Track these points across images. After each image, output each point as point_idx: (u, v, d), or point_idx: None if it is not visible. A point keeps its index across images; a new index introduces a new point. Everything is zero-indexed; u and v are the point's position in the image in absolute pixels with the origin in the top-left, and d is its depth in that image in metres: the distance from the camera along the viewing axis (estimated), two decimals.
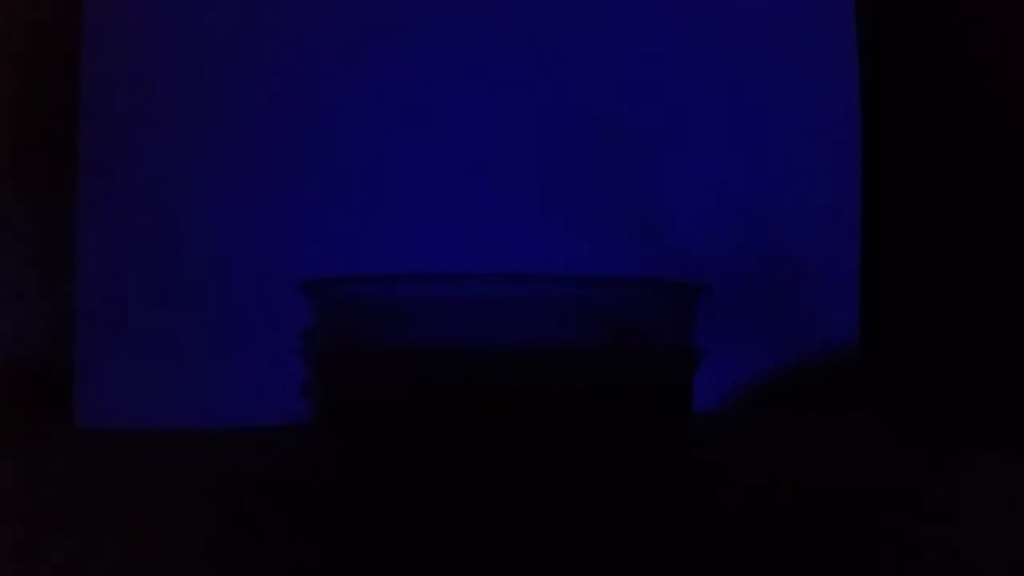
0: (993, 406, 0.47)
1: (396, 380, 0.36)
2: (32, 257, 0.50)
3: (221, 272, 0.51)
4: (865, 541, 0.31)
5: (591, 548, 0.30)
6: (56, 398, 0.50)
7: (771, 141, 0.56)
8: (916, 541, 0.31)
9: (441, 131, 0.54)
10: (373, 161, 0.53)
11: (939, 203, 0.53)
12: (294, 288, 0.40)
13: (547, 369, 0.36)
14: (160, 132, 0.51)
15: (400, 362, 0.36)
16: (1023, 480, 0.40)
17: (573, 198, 0.54)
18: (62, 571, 0.28)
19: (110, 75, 0.51)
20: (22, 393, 0.49)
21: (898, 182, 0.56)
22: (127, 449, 0.45)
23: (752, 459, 0.44)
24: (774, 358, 0.55)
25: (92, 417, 0.50)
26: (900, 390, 0.54)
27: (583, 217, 0.54)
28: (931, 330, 0.53)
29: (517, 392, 0.35)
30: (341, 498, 0.36)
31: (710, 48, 0.56)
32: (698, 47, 0.56)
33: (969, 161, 0.50)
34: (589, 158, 0.55)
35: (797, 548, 0.30)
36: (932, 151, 0.53)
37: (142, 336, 0.51)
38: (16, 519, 0.33)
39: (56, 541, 0.30)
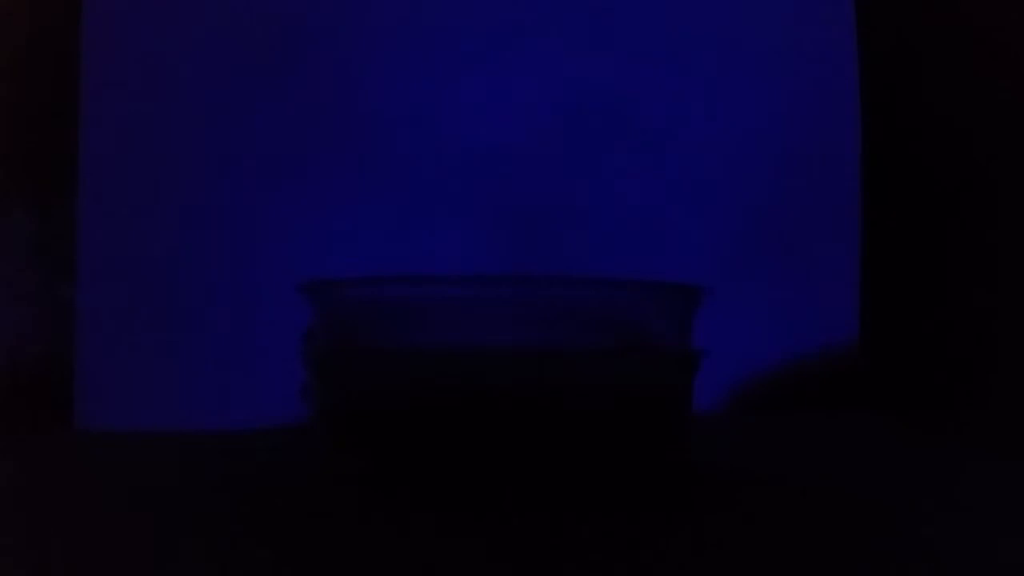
0: (993, 406, 0.47)
1: (396, 382, 0.36)
2: (32, 257, 0.50)
3: (221, 273, 0.51)
4: (865, 541, 0.31)
5: (591, 549, 0.30)
6: (56, 398, 0.50)
7: (771, 141, 0.56)
8: (916, 541, 0.31)
9: (442, 132, 0.54)
10: (374, 162, 0.53)
11: (939, 203, 0.53)
12: (294, 289, 0.40)
13: (547, 370, 0.36)
14: (160, 132, 0.51)
15: (400, 363, 0.36)
16: (1022, 480, 0.40)
17: (573, 199, 0.54)
18: (62, 571, 0.28)
19: (110, 75, 0.51)
20: (22, 393, 0.49)
21: (898, 182, 0.56)
22: (127, 449, 0.45)
23: (752, 459, 0.44)
24: (774, 358, 0.55)
25: (92, 417, 0.50)
26: (900, 390, 0.54)
27: (583, 218, 0.54)
28: (931, 330, 0.53)
29: (517, 393, 0.35)
30: (341, 499, 0.36)
31: (710, 48, 0.56)
32: (698, 46, 0.56)
33: (970, 162, 0.50)
34: (588, 159, 0.55)
35: (797, 549, 0.30)
36: (932, 151, 0.53)
37: (142, 337, 0.51)
38: (16, 519, 0.33)
39: (56, 541, 0.30)
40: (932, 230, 0.53)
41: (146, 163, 0.51)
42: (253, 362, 0.51)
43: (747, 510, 0.35)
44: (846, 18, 0.57)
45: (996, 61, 0.48)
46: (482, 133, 0.54)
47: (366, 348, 0.37)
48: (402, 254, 0.53)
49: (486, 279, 0.41)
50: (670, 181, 0.55)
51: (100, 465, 0.43)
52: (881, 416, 0.54)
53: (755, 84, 0.56)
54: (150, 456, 0.44)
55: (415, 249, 0.53)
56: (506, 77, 0.54)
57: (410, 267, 0.52)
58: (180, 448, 0.45)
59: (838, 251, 0.57)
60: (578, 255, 0.54)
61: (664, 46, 0.55)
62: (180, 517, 0.33)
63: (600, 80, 0.55)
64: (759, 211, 0.56)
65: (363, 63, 0.53)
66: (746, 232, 0.56)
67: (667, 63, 0.55)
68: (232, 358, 0.51)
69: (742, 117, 0.56)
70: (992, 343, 0.48)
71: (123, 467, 0.42)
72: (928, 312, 0.53)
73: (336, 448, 0.39)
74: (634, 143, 0.55)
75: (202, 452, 0.45)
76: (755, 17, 0.56)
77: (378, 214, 0.53)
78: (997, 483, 0.39)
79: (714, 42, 0.56)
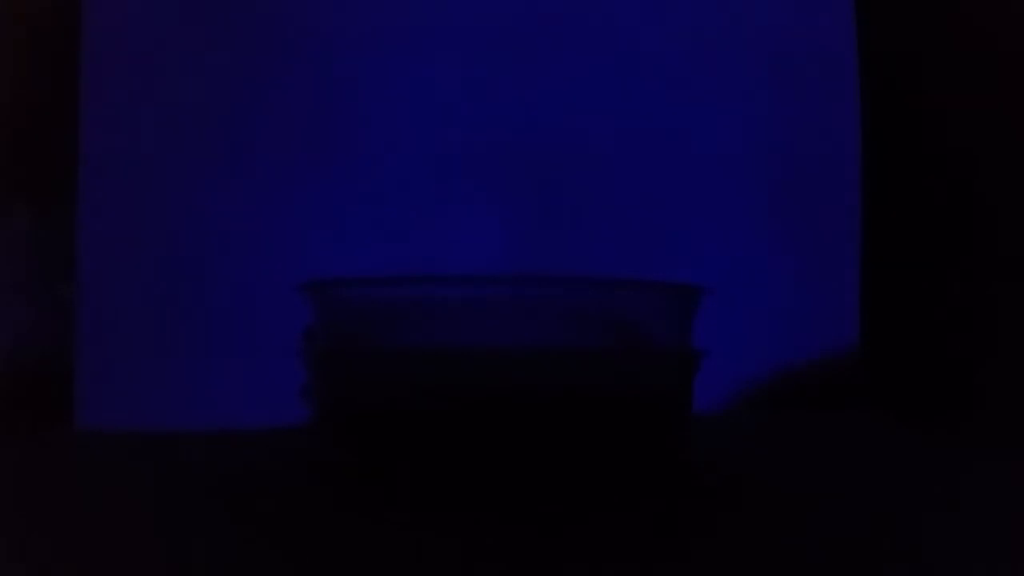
0: (993, 406, 0.47)
1: (396, 382, 0.36)
2: (32, 257, 0.50)
3: (221, 273, 0.51)
4: (864, 542, 0.31)
5: (591, 548, 0.30)
6: (56, 398, 0.50)
7: (771, 142, 0.56)
8: (916, 541, 0.31)
9: (442, 134, 0.54)
10: (373, 162, 0.53)
11: (939, 204, 0.53)
12: (294, 289, 0.40)
13: (547, 370, 0.36)
14: (160, 132, 0.51)
15: (400, 364, 0.36)
16: (1022, 481, 0.40)
17: (573, 199, 0.54)
18: (61, 571, 0.28)
19: (110, 75, 0.51)
20: (22, 393, 0.49)
21: (898, 182, 0.56)
22: (127, 449, 0.45)
23: (752, 459, 0.44)
24: (774, 358, 0.56)
25: (92, 417, 0.50)
26: (900, 390, 0.54)
27: (584, 218, 0.54)
28: (931, 330, 0.53)
29: (517, 393, 0.35)
30: (341, 499, 0.36)
31: (711, 50, 0.56)
32: (699, 48, 0.56)
33: (969, 162, 0.50)
34: (590, 159, 0.55)
35: (796, 549, 0.30)
36: (933, 152, 0.53)
37: (142, 336, 0.51)
38: (16, 519, 0.33)
39: (56, 541, 0.30)
40: (932, 231, 0.53)
41: (146, 163, 0.51)
42: (253, 362, 0.51)
43: (747, 510, 0.35)
44: (846, 18, 0.57)
45: (996, 62, 0.48)
46: (483, 133, 0.54)
47: (366, 348, 0.37)
48: (403, 254, 0.53)
49: (486, 279, 0.41)
50: (671, 182, 0.55)
51: (100, 465, 0.43)
52: (881, 416, 0.54)
53: (755, 86, 0.56)
54: (150, 456, 0.44)
55: (416, 249, 0.53)
56: (509, 77, 0.54)
57: (411, 267, 0.52)
58: (180, 448, 0.45)
59: (838, 252, 0.57)
60: (579, 255, 0.54)
61: (666, 48, 0.55)
62: (180, 517, 0.33)
63: (601, 80, 0.55)
64: (759, 212, 0.56)
65: (364, 63, 0.53)
66: (746, 233, 0.56)
67: (669, 65, 0.55)
68: (232, 358, 0.51)
69: (743, 119, 0.56)
70: (992, 343, 0.48)
71: (123, 467, 0.42)
72: (928, 312, 0.53)
73: (336, 448, 0.39)
74: (635, 145, 0.55)
75: (202, 452, 0.45)
76: (755, 19, 0.56)
77: (378, 214, 0.53)
78: (997, 483, 0.39)
79: (715, 44, 0.56)
